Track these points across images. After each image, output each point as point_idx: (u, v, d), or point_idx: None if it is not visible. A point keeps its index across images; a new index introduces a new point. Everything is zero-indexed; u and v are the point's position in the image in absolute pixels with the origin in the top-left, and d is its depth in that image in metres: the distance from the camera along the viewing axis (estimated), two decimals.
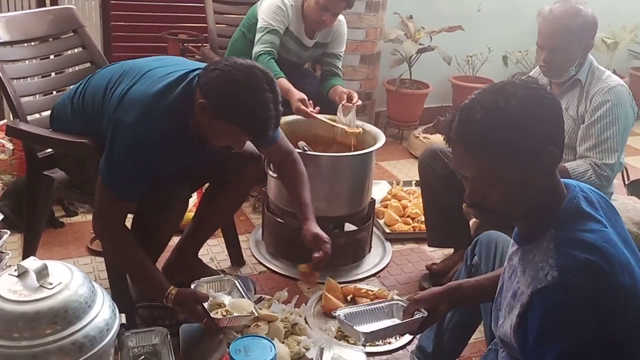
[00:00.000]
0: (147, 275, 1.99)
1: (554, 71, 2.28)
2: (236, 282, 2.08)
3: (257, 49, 2.83)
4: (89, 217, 2.85)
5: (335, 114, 2.72)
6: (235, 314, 1.95)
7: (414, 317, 1.64)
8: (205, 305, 1.94)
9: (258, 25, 2.88)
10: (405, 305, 1.69)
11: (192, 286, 2.02)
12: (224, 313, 1.95)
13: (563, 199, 1.28)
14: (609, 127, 2.20)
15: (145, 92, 1.85)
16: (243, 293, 2.04)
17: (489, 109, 1.20)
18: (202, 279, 2.08)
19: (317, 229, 2.09)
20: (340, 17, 2.99)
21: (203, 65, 1.89)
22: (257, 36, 2.86)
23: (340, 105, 2.72)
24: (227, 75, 1.76)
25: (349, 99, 2.74)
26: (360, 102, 2.77)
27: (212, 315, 1.91)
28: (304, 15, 2.92)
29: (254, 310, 1.97)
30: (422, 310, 1.63)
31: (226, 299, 2.02)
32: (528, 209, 1.28)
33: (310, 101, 2.70)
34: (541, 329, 1.19)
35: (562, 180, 1.32)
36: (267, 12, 2.88)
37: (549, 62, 2.25)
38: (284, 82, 2.76)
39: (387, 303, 1.81)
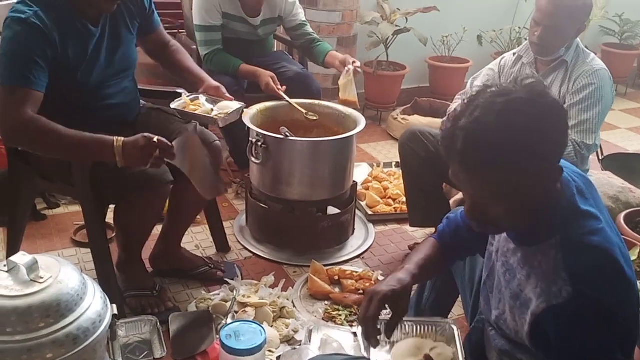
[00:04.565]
0: (85, 139, 1.84)
1: (545, 49, 2.29)
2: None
3: (202, 51, 2.87)
4: (72, 208, 2.85)
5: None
6: (229, 110, 2.16)
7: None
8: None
9: (194, 24, 2.88)
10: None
11: None
12: (218, 114, 2.14)
13: (561, 196, 1.25)
14: (591, 108, 2.24)
15: None
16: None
17: (489, 130, 1.13)
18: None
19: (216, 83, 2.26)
20: None
21: None
22: (197, 36, 2.88)
23: (346, 69, 2.77)
24: None
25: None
26: (358, 63, 2.83)
27: (213, 116, 2.12)
28: None
29: (240, 106, 2.21)
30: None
31: (210, 105, 2.21)
32: (529, 214, 1.25)
33: (278, 85, 2.75)
34: (562, 342, 1.20)
35: None
36: (197, 9, 2.86)
37: (543, 39, 2.24)
38: (245, 67, 2.81)
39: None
